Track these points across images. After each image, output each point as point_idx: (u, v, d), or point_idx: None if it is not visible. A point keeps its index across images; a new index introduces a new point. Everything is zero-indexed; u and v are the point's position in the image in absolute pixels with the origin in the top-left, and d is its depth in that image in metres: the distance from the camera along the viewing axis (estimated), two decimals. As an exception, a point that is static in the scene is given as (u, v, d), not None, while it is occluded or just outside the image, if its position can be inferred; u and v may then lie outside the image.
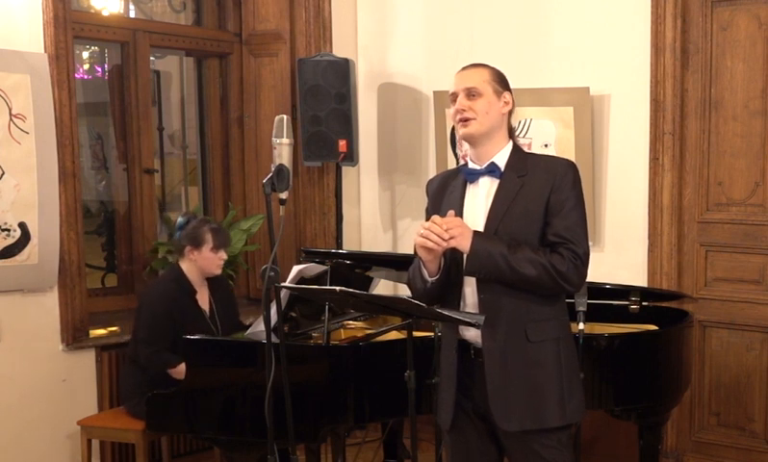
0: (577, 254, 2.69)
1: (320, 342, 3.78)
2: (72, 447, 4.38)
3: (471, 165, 2.84)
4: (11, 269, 4.13)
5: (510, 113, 2.83)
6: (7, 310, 4.17)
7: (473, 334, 2.76)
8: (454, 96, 2.80)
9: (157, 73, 5.54)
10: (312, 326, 3.93)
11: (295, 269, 3.76)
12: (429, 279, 2.75)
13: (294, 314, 3.87)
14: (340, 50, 5.13)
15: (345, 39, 5.33)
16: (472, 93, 2.76)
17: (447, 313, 2.71)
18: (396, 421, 4.37)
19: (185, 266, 4.23)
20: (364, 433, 4.76)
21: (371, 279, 4.26)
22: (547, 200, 2.71)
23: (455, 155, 5.08)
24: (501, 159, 2.79)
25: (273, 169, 2.89)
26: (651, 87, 4.49)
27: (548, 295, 2.74)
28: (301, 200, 5.24)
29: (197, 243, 4.18)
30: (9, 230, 4.12)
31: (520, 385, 2.72)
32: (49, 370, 4.34)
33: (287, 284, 3.53)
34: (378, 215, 5.50)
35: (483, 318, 2.64)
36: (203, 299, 4.27)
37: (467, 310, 2.76)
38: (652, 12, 4.46)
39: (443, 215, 2.73)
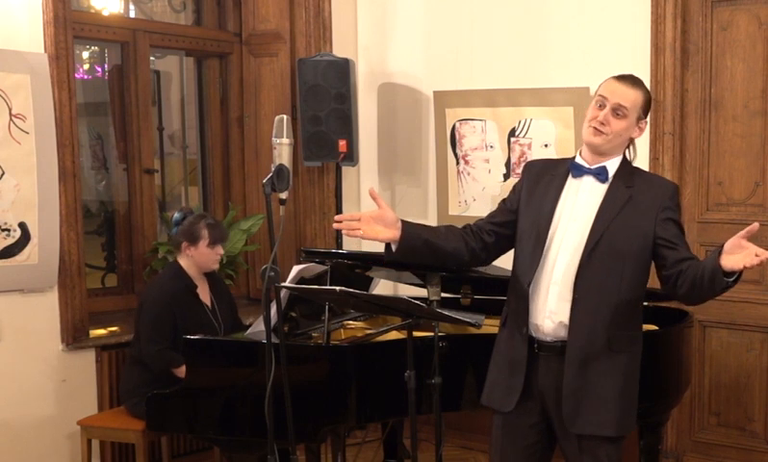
0: None
1: (319, 342, 3.77)
2: (72, 447, 4.37)
3: (578, 160, 2.86)
4: (11, 269, 4.13)
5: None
6: (7, 310, 4.17)
7: (546, 329, 2.79)
8: (602, 100, 2.79)
9: (157, 73, 5.54)
10: (312, 326, 3.93)
11: (295, 269, 3.76)
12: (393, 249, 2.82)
13: (294, 314, 3.86)
14: (340, 50, 5.12)
15: (346, 39, 5.32)
16: (618, 112, 2.76)
17: (447, 313, 2.72)
18: (396, 421, 4.37)
19: (182, 262, 4.24)
20: (364, 433, 4.75)
21: (371, 279, 4.25)
22: (655, 218, 2.75)
23: (455, 155, 5.08)
24: (612, 166, 2.83)
25: (273, 169, 2.90)
26: (651, 87, 4.47)
27: (635, 307, 2.81)
28: (301, 200, 5.23)
29: (194, 239, 4.18)
30: (9, 230, 4.12)
31: (593, 391, 2.76)
32: (49, 370, 4.33)
33: (287, 284, 3.52)
34: (378, 215, 5.49)
35: (483, 318, 2.64)
36: (204, 294, 4.27)
37: (550, 308, 2.78)
38: (652, 12, 4.45)
39: (537, 199, 2.83)
